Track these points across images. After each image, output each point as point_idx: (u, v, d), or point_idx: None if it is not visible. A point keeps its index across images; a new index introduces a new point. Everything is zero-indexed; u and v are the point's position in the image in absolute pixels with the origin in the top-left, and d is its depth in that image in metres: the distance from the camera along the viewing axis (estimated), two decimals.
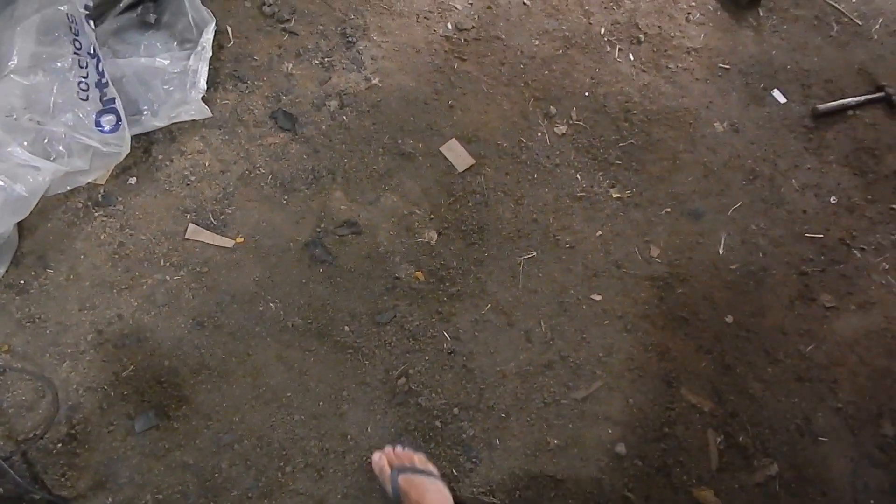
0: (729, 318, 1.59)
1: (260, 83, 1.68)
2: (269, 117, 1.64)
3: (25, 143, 1.35)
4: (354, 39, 1.77)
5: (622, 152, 1.76)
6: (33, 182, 1.33)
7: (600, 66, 1.88)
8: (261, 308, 1.44)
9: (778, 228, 1.70)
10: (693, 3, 2.05)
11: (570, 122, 1.77)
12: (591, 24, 1.95)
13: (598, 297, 1.57)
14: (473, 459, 1.37)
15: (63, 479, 1.25)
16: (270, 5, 1.78)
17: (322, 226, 1.53)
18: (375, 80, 1.72)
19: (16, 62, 1.38)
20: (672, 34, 1.97)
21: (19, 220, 1.36)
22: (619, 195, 1.70)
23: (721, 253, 1.67)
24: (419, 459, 1.23)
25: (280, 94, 1.67)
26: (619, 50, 1.92)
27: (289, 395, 1.37)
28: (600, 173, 1.72)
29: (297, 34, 1.75)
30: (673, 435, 1.44)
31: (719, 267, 1.65)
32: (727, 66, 1.95)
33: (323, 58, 1.73)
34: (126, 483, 1.26)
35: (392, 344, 1.44)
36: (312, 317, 1.44)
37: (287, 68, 1.70)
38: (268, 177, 1.57)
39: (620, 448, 1.41)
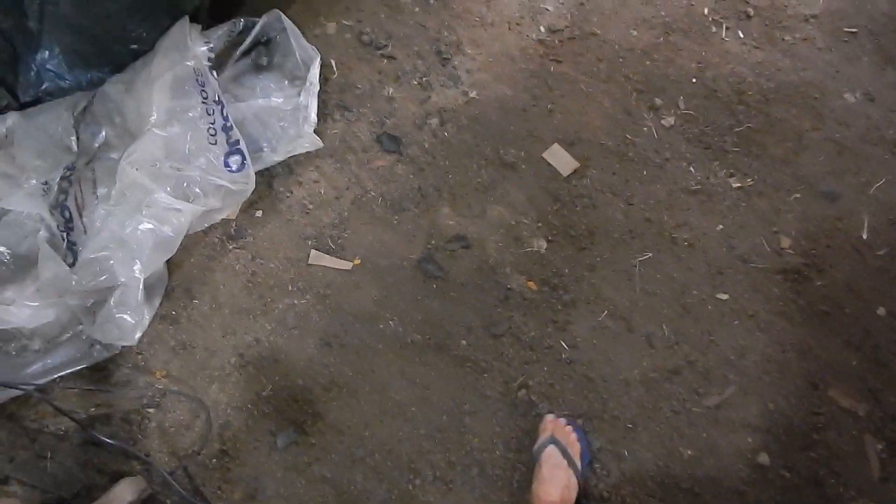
0: (881, 310, 1.43)
1: (364, 110, 1.75)
2: (374, 141, 1.71)
3: (168, 188, 1.50)
4: (449, 56, 1.80)
5: (739, 138, 1.65)
6: (177, 223, 1.48)
7: (706, 49, 1.77)
8: (381, 326, 1.50)
9: None
10: None
11: (678, 112, 1.69)
12: (691, 4, 1.85)
13: (725, 296, 1.48)
14: (602, 471, 1.34)
15: (219, 492, 1.38)
16: (368, 34, 1.86)
17: (432, 242, 1.57)
18: (473, 94, 1.74)
19: (155, 117, 1.54)
20: (785, 3, 1.82)
21: (168, 258, 1.52)
22: (739, 184, 1.60)
23: (865, 237, 1.51)
24: (574, 447, 1.28)
25: (383, 118, 1.74)
26: (727, 28, 1.80)
27: (413, 409, 1.42)
28: (716, 163, 1.62)
29: (394, 58, 1.81)
30: (823, 442, 1.32)
31: (863, 253, 1.50)
32: (854, 30, 1.77)
33: (421, 78, 1.78)
34: (273, 496, 1.36)
35: (509, 355, 1.45)
36: (430, 332, 1.48)
37: (388, 92, 1.77)
38: (378, 199, 1.64)
39: (763, 458, 1.32)
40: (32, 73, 1.68)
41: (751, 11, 1.82)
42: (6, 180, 1.64)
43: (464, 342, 1.47)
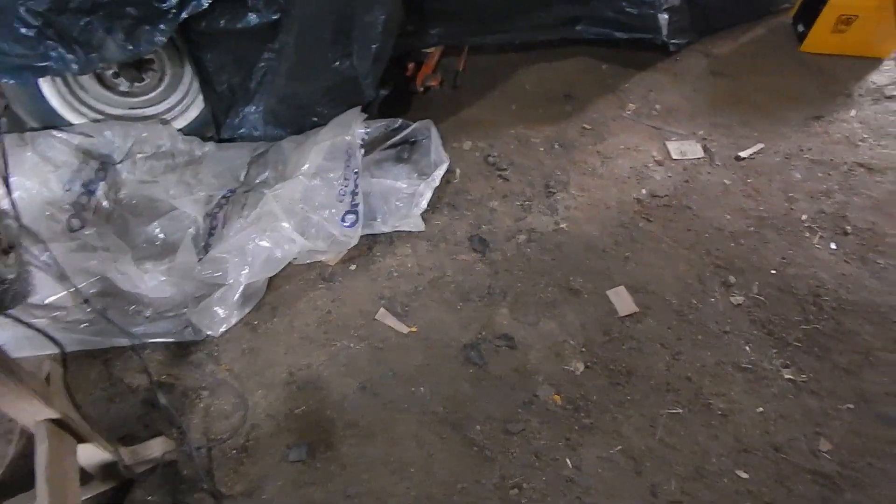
0: None
1: (468, 213, 2.03)
2: (467, 239, 1.96)
3: (293, 223, 1.85)
4: (555, 191, 2.06)
5: (804, 335, 1.67)
6: (287, 249, 1.80)
7: (794, 249, 1.86)
8: (413, 389, 1.65)
9: None
10: None
11: (749, 294, 1.76)
12: (792, 209, 1.96)
13: (745, 475, 1.45)
14: None
15: (226, 479, 1.54)
16: (494, 157, 2.19)
17: (483, 333, 1.73)
18: (563, 225, 1.96)
19: (306, 168, 1.93)
20: (887, 231, 1.88)
21: (271, 275, 1.83)
22: (792, 377, 1.60)
23: None
24: None
25: (481, 223, 2.00)
26: (821, 237, 1.88)
27: (412, 470, 1.51)
28: (774, 350, 1.65)
29: (508, 180, 2.10)
30: None
31: None
32: None
33: (524, 201, 2.04)
34: (268, 499, 1.50)
35: (514, 454, 1.51)
36: (452, 409, 1.60)
37: (493, 205, 2.04)
38: (452, 285, 1.85)
39: None
40: (237, 120, 2.19)
41: (849, 229, 1.89)
42: (185, 187, 2.09)
43: (478, 428, 1.56)
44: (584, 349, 1.68)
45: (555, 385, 1.62)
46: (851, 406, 1.54)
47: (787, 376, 1.60)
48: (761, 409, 1.55)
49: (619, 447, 1.51)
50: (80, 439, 1.30)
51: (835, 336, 1.66)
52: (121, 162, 2.09)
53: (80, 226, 1.91)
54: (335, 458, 1.55)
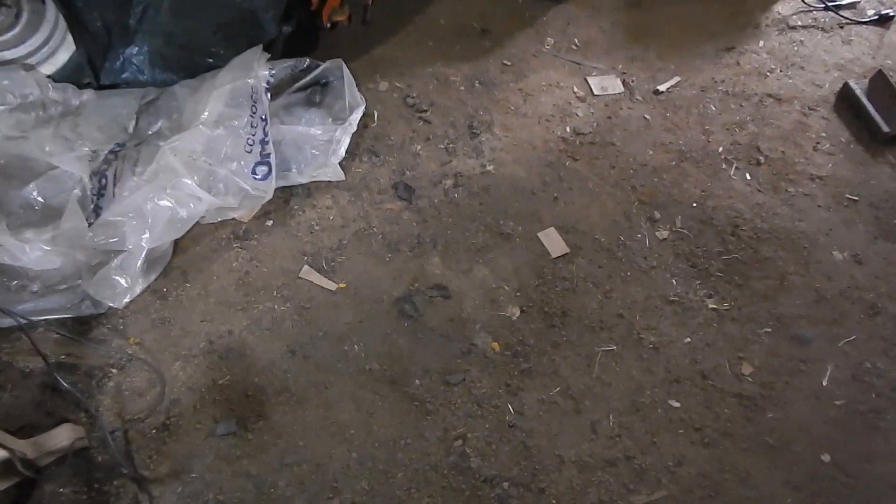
0: (826, 457, 1.44)
1: (390, 158, 1.92)
2: (391, 187, 1.85)
3: (196, 178, 1.66)
4: (479, 132, 1.98)
5: (725, 265, 1.73)
6: (193, 208, 1.62)
7: (713, 181, 1.90)
8: (346, 348, 1.57)
9: None
10: (823, 134, 2.03)
11: (673, 228, 1.80)
12: (709, 141, 2.00)
13: (677, 404, 1.51)
14: None
15: (148, 461, 1.41)
16: (413, 98, 2.06)
17: (415, 285, 1.66)
18: (490, 168, 1.89)
19: (206, 116, 1.73)
20: (796, 160, 1.95)
21: (176, 237, 1.65)
22: (715, 306, 1.66)
23: (825, 384, 1.54)
24: None
25: (405, 169, 1.89)
26: (736, 168, 1.94)
27: (352, 432, 1.45)
28: (698, 282, 1.70)
29: (430, 122, 2.00)
30: None
31: (821, 399, 1.52)
32: (855, 198, 1.88)
33: (448, 144, 1.95)
34: (197, 478, 1.39)
35: (456, 405, 1.49)
36: (389, 365, 1.54)
37: (416, 149, 1.94)
38: (378, 236, 1.76)
39: None
40: (118, 63, 1.92)
41: (762, 159, 1.96)
42: (63, 143, 1.83)
43: (418, 382, 1.52)
44: (518, 293, 1.66)
45: (492, 332, 1.59)
46: (769, 329, 1.62)
47: (710, 306, 1.66)
48: (688, 339, 1.60)
49: (558, 388, 1.52)
50: None
51: (752, 264, 1.73)
52: None
53: None
54: (268, 428, 1.46)
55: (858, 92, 2.08)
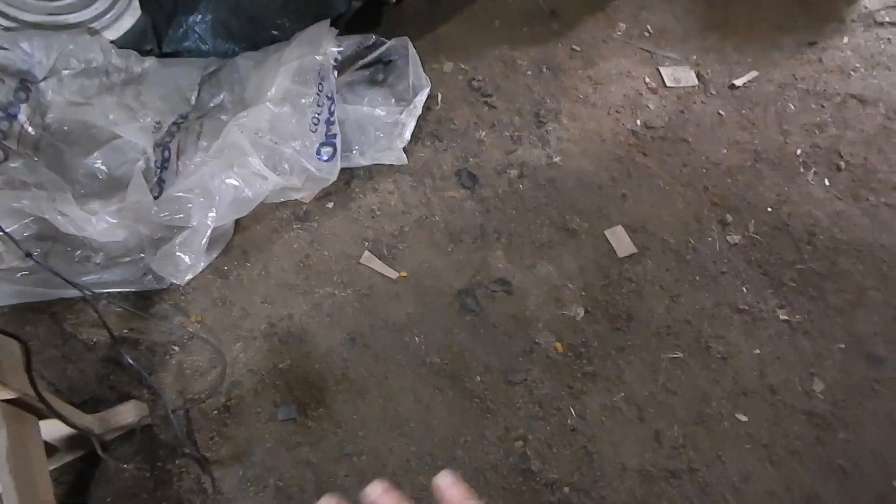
0: None
1: (454, 144, 1.87)
2: (454, 174, 1.81)
3: (262, 156, 1.63)
4: (545, 120, 1.91)
5: (799, 275, 1.66)
6: (259, 188, 1.59)
7: (789, 186, 1.82)
8: (406, 339, 1.55)
9: None
10: None
11: (746, 233, 1.73)
12: (786, 142, 1.91)
13: (744, 418, 1.46)
14: None
15: (210, 442, 1.42)
16: (479, 81, 2.00)
17: (478, 278, 1.63)
18: (556, 159, 1.83)
19: (272, 93, 1.69)
20: (879, 168, 1.86)
21: (240, 216, 1.63)
22: (787, 318, 1.60)
23: None
24: None
25: (469, 156, 1.84)
26: (815, 173, 1.85)
27: (412, 425, 1.44)
28: (770, 291, 1.64)
29: (495, 108, 1.94)
30: None
31: (895, 422, 1.46)
32: None
33: (514, 132, 1.89)
34: (258, 462, 1.40)
35: (518, 405, 1.46)
36: (450, 359, 1.52)
37: (480, 135, 1.88)
38: (441, 224, 1.72)
39: None
40: (181, 31, 1.88)
41: (842, 164, 1.87)
42: (126, 112, 1.81)
43: (479, 379, 1.49)
44: (583, 293, 1.62)
45: (555, 331, 1.56)
46: (843, 346, 1.56)
47: (782, 317, 1.60)
48: (758, 350, 1.55)
49: (622, 394, 1.48)
50: (42, 416, 1.14)
51: (828, 276, 1.66)
52: (44, 80, 1.78)
53: (2, 157, 1.63)
54: (328, 416, 1.45)
55: None
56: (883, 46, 2.14)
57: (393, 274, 1.64)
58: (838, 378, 1.52)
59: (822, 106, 1.99)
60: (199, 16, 1.87)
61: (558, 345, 1.54)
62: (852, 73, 2.07)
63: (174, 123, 1.82)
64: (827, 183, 1.83)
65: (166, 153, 1.77)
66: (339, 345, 1.54)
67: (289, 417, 1.44)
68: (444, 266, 1.66)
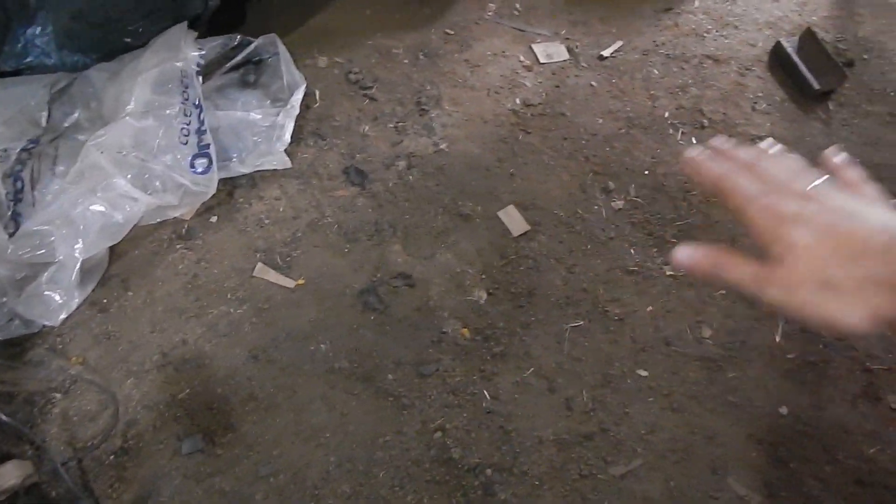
0: (784, 409, 1.52)
1: (338, 141, 1.82)
2: (342, 172, 1.77)
3: (129, 176, 1.52)
4: (428, 108, 1.91)
5: (679, 231, 1.77)
6: (129, 211, 1.48)
7: (662, 147, 1.92)
8: (312, 348, 1.50)
9: None
10: (760, 94, 2.08)
11: (628, 197, 1.81)
12: (655, 107, 2.01)
13: (645, 373, 1.54)
14: None
15: (110, 490, 1.32)
16: (356, 74, 1.96)
17: (378, 276, 1.61)
18: (443, 146, 1.84)
19: (132, 107, 1.58)
20: (737, 121, 2.00)
21: (112, 244, 1.51)
22: (672, 273, 1.70)
23: (778, 340, 1.62)
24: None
25: (354, 152, 1.81)
26: (682, 133, 1.96)
27: (327, 435, 1.41)
28: (655, 249, 1.73)
29: (376, 100, 1.91)
30: None
31: (775, 355, 1.60)
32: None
33: (397, 122, 1.87)
34: (166, 502, 1.32)
35: (432, 397, 1.47)
36: (359, 361, 1.50)
37: (364, 129, 1.85)
38: (334, 226, 1.68)
39: None
40: (19, 45, 1.70)
41: (706, 122, 1.99)
42: None
43: (390, 376, 1.48)
44: (483, 276, 1.63)
45: (461, 318, 1.57)
46: (724, 292, 1.68)
47: (668, 273, 1.70)
48: (650, 307, 1.64)
49: (532, 369, 1.52)
50: None
51: (704, 228, 1.78)
52: None
53: None
54: (237, 440, 1.39)
55: (790, 50, 2.14)
56: (729, 7, 2.30)
57: (290, 283, 1.59)
58: (723, 322, 1.63)
59: (683, 69, 2.11)
60: (39, 27, 1.70)
61: (465, 331, 1.56)
62: (705, 34, 2.21)
63: (24, 150, 1.65)
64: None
65: (18, 184, 1.61)
66: (241, 364, 1.47)
67: (195, 449, 1.37)
68: (343, 267, 1.62)
